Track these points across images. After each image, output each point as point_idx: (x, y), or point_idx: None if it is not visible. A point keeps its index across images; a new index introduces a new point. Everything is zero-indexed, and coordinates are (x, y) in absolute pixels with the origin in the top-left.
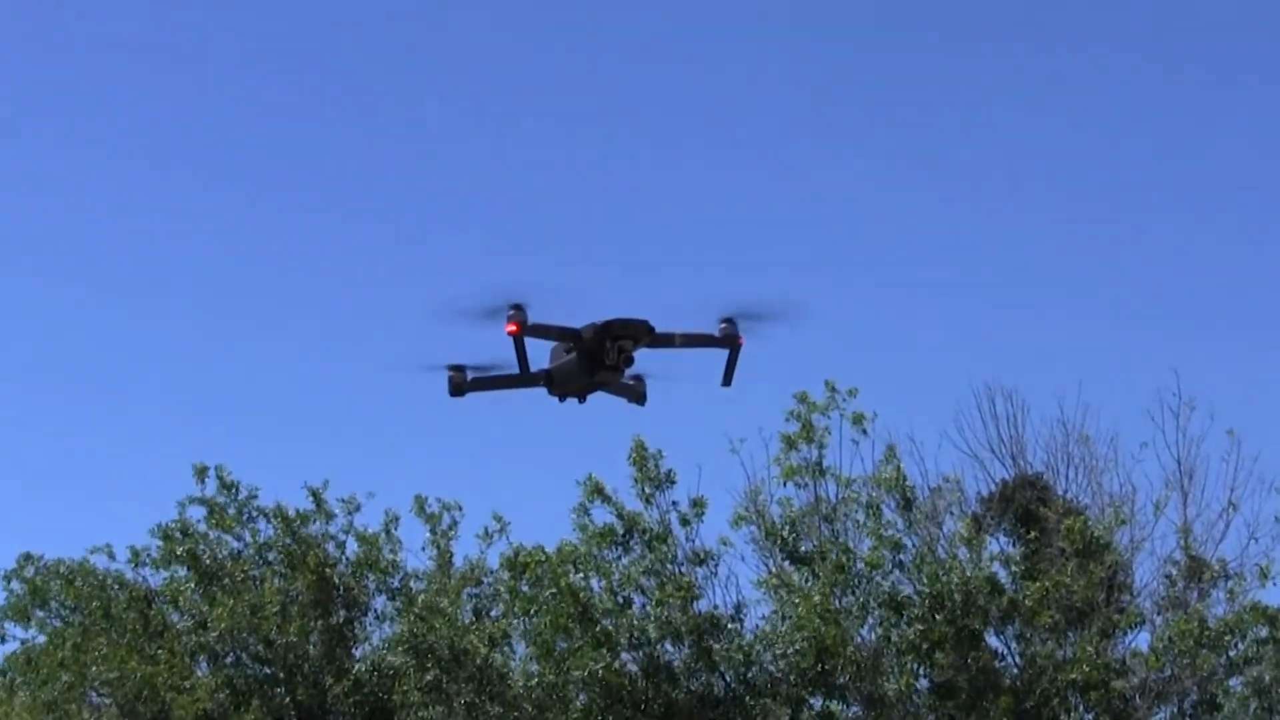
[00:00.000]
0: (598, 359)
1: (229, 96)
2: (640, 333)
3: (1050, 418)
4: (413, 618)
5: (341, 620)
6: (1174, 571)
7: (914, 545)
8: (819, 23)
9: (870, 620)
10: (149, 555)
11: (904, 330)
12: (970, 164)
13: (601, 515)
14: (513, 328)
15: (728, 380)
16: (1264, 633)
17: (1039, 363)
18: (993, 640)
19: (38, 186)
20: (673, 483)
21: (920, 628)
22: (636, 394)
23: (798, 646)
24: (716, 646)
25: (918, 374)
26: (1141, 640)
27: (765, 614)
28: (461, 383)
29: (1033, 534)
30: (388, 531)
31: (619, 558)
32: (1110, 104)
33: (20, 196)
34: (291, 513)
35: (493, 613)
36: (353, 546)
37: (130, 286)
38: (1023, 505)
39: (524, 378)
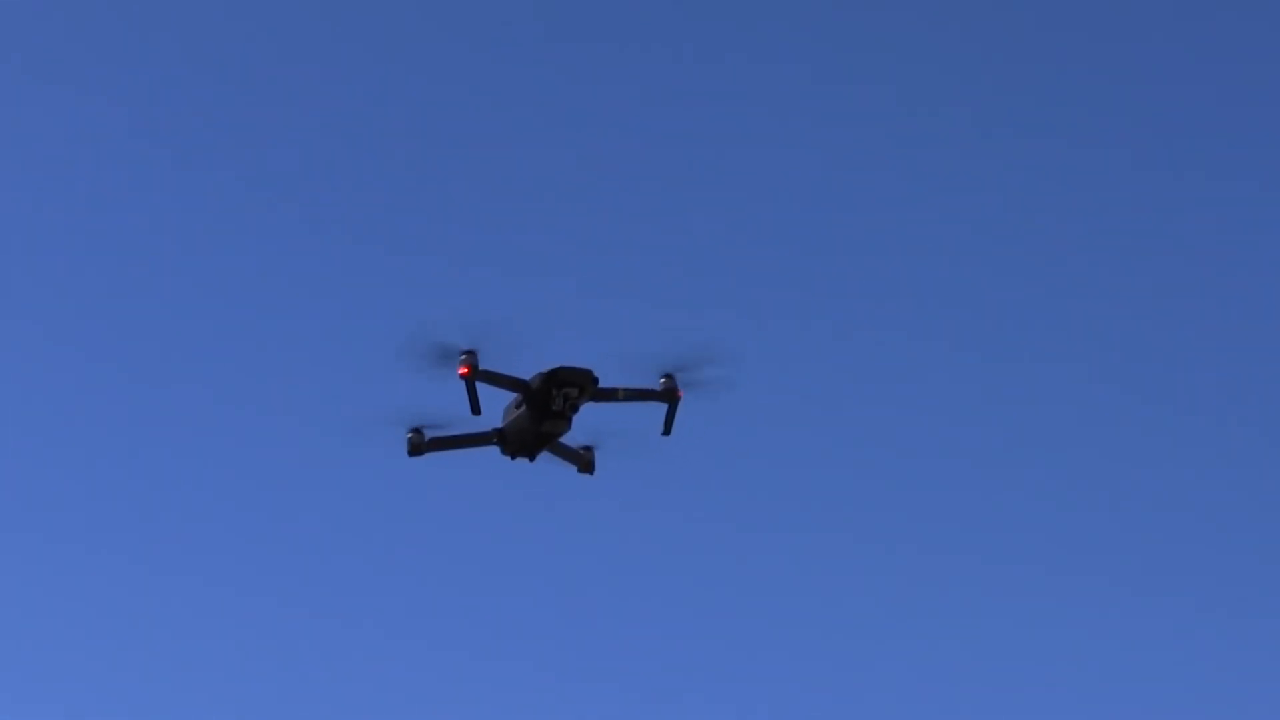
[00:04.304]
0: (545, 406)
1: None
2: (585, 382)
3: None
4: None
5: None
6: None
7: None
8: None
9: None
10: None
11: None
12: None
13: None
14: (464, 370)
15: (667, 430)
16: None
17: None
18: None
19: None
20: None
21: None
22: (585, 462)
23: None
24: None
25: None
26: None
27: None
28: (420, 443)
29: None
30: None
31: None
32: None
33: None
34: None
35: None
36: None
37: None
38: None
39: (478, 437)
